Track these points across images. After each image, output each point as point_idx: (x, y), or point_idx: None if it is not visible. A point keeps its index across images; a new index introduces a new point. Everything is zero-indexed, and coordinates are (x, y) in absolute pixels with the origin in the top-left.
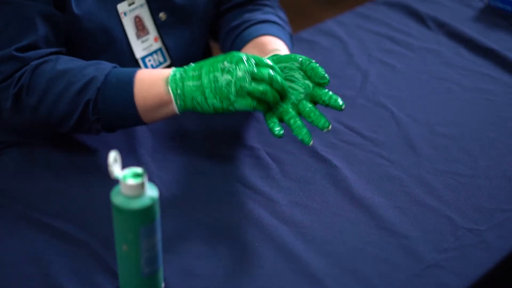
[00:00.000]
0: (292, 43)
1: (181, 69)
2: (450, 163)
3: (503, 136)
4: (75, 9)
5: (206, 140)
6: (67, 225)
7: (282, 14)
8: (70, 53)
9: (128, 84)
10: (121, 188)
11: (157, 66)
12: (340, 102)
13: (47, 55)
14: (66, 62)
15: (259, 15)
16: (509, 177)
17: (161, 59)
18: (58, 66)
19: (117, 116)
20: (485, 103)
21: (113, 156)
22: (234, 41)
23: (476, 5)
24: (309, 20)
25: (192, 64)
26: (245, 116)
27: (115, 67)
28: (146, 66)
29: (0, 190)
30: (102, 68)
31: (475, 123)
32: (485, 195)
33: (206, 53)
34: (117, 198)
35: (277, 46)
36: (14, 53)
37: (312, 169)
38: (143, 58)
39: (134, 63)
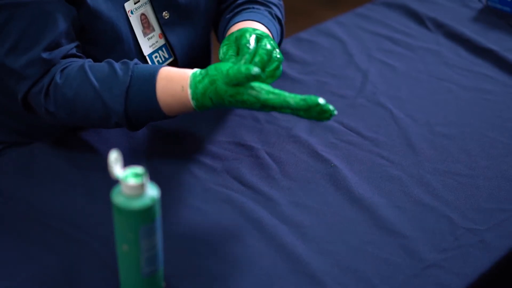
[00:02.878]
0: (278, 31)
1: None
2: (449, 163)
3: (502, 136)
4: (90, 2)
5: (206, 140)
6: (67, 225)
7: (277, 12)
8: (82, 50)
9: (152, 96)
10: (122, 188)
11: (162, 62)
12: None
13: (68, 56)
14: (84, 80)
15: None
16: (508, 177)
17: (166, 55)
18: (78, 84)
19: (145, 121)
20: (484, 103)
21: (114, 156)
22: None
23: (474, 5)
24: (309, 20)
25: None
26: (245, 116)
27: (131, 76)
28: (153, 63)
29: (0, 190)
30: (116, 95)
31: (475, 123)
32: (485, 195)
33: (207, 50)
34: (118, 198)
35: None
36: (42, 55)
37: (312, 169)
38: (150, 55)
39: (142, 61)
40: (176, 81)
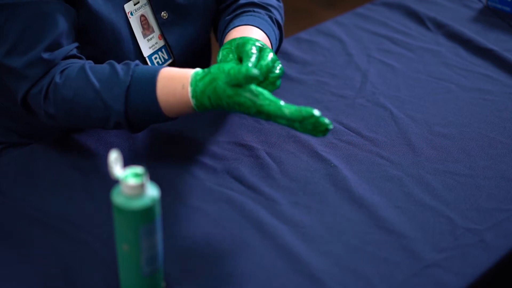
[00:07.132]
0: (277, 36)
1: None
2: (449, 163)
3: (502, 136)
4: (91, 3)
5: (205, 140)
6: (67, 225)
7: (277, 15)
8: (83, 52)
9: (152, 95)
10: (122, 188)
11: (162, 64)
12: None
13: (69, 57)
14: (84, 81)
15: (247, 9)
16: (507, 177)
17: (166, 57)
18: (77, 84)
19: (145, 122)
20: (484, 103)
21: (114, 156)
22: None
23: (474, 6)
24: (309, 20)
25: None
26: (245, 116)
27: (132, 79)
28: (152, 64)
29: (0, 190)
30: (117, 95)
31: (474, 123)
32: (484, 195)
33: (206, 50)
34: (118, 198)
35: (246, 33)
36: (42, 55)
37: (312, 169)
38: (149, 57)
39: (142, 62)
40: (177, 80)
